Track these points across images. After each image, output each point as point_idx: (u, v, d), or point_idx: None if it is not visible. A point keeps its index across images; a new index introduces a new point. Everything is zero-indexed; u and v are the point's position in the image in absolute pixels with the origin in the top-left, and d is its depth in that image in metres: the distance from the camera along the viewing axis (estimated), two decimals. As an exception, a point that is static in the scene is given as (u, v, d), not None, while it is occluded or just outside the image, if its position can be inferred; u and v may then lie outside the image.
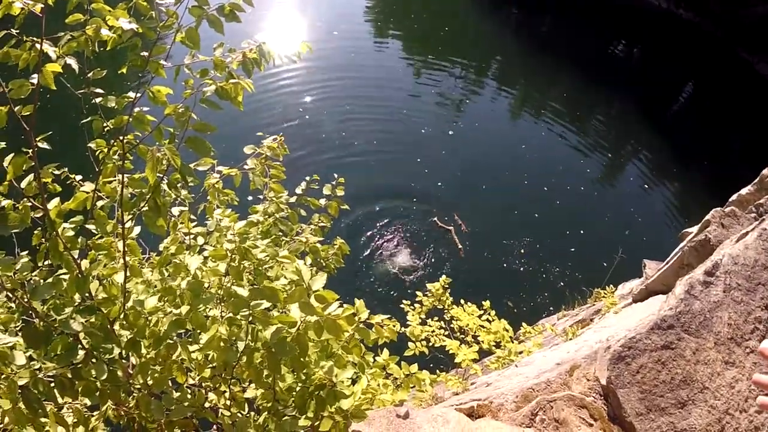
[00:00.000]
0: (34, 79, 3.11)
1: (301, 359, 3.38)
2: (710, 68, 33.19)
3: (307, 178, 5.81)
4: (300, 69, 24.66)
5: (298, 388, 3.71)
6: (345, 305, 3.36)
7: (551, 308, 15.21)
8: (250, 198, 5.62)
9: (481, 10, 36.46)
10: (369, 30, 31.27)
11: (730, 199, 7.95)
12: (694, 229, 8.01)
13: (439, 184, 20.05)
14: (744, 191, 7.80)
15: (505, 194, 20.39)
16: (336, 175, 5.91)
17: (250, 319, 3.34)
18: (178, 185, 3.65)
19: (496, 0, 38.04)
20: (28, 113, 3.18)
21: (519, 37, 34.44)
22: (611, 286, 11.60)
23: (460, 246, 17.73)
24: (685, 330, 4.78)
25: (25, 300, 3.30)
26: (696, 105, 30.96)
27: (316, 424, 3.62)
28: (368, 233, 17.76)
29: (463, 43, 31.66)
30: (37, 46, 3.09)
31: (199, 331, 3.60)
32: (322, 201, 5.86)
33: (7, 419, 3.23)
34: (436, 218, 18.57)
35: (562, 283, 16.94)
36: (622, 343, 4.82)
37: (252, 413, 4.18)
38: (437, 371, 7.37)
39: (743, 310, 4.93)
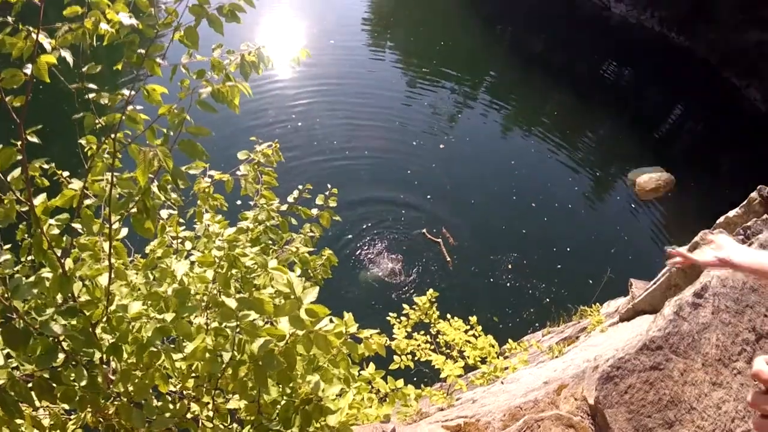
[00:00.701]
0: (28, 69, 3.03)
1: (288, 373, 3.30)
2: (699, 91, 33.39)
3: (300, 187, 5.75)
4: (294, 75, 24.73)
5: (283, 402, 3.63)
6: (335, 319, 3.29)
7: (537, 324, 15.18)
8: (239, 203, 5.56)
9: (477, 25, 36.62)
10: (365, 40, 31.32)
11: (718, 221, 7.99)
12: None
13: (429, 196, 20.04)
14: (732, 213, 7.84)
15: (493, 209, 20.40)
16: (330, 185, 5.86)
17: (237, 330, 3.26)
18: (168, 187, 3.57)
19: (491, 16, 38.23)
20: (19, 104, 3.10)
21: (513, 54, 34.57)
22: (597, 303, 11.58)
23: (448, 258, 17.68)
24: (673, 351, 4.77)
25: (6, 297, 3.19)
26: (685, 127, 31.21)
27: (301, 439, 3.55)
28: (355, 243, 17.74)
29: (458, 57, 31.74)
30: (33, 35, 3.02)
31: (183, 339, 3.52)
32: (314, 211, 5.80)
33: None
34: (424, 230, 18.55)
35: (548, 300, 16.93)
36: (610, 363, 4.80)
37: (234, 425, 4.10)
38: (422, 385, 7.30)
39: (731, 331, 4.95)
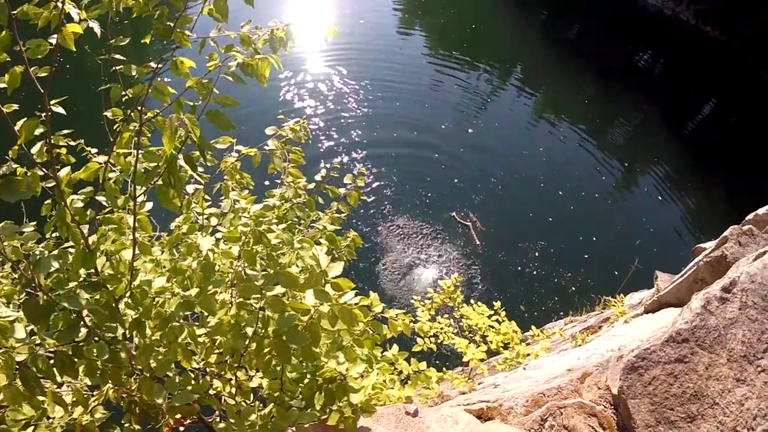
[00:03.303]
0: (53, 39, 3.01)
1: (312, 349, 3.28)
2: (733, 87, 33.07)
3: (328, 166, 5.73)
4: (324, 54, 24.88)
5: (306, 380, 3.62)
6: (361, 296, 3.26)
7: (561, 313, 15.12)
8: (267, 183, 5.56)
9: (509, 10, 36.48)
10: (396, 21, 31.42)
11: (747, 218, 7.93)
12: (709, 244, 7.96)
13: (456, 180, 20.03)
14: (761, 211, 7.80)
15: (521, 196, 20.41)
16: (359, 166, 5.84)
17: (261, 304, 3.23)
18: (196, 163, 3.54)
19: (525, 1, 37.96)
20: (44, 74, 3.08)
21: (545, 40, 34.39)
22: (621, 295, 11.52)
23: (478, 241, 17.71)
24: (699, 344, 4.72)
25: (29, 272, 3.18)
26: (716, 122, 30.85)
27: (323, 417, 3.53)
28: (383, 225, 17.77)
29: (489, 41, 31.65)
30: (59, 5, 2.98)
31: (207, 314, 3.50)
32: (342, 190, 5.77)
33: (2, 396, 3.12)
34: (454, 213, 18.59)
35: (572, 289, 16.88)
36: (635, 354, 4.75)
37: (257, 402, 4.10)
38: (443, 368, 7.31)
39: (757, 328, 4.88)
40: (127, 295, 3.55)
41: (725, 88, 32.94)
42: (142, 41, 3.62)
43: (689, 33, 37.81)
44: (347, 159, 18.41)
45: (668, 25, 38.56)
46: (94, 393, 4.08)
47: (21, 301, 3.84)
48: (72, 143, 3.81)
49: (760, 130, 29.13)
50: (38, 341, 3.18)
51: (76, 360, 3.23)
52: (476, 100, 25.27)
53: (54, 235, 3.74)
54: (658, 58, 35.51)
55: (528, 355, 8.01)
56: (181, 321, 3.56)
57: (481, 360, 7.32)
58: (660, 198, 22.44)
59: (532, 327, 9.78)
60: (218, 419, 4.65)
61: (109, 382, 3.45)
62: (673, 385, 4.55)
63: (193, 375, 3.86)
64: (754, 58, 34.26)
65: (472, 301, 8.87)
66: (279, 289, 3.16)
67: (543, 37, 35.10)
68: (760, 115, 30.72)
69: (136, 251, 3.63)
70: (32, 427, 3.60)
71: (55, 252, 3.29)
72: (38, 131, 3.15)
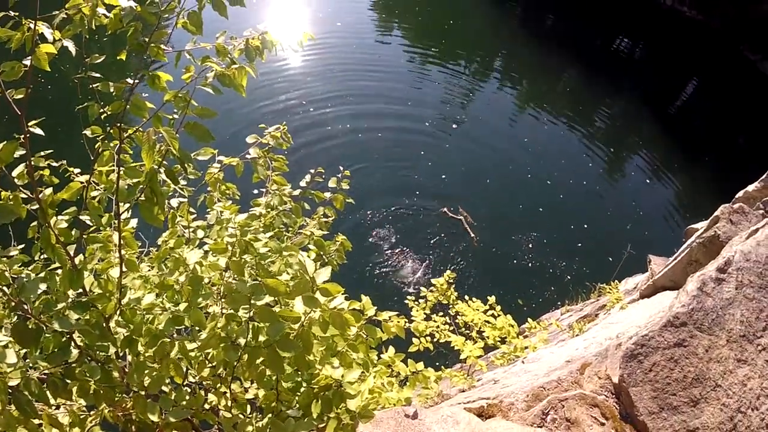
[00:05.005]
0: (27, 60, 2.97)
1: (306, 357, 3.24)
2: (714, 66, 33.31)
3: (312, 171, 5.69)
4: (302, 58, 24.78)
5: (302, 389, 3.58)
6: (350, 300, 3.23)
7: (558, 303, 15.05)
8: (255, 191, 5.52)
9: (486, 3, 36.40)
10: (373, 22, 31.30)
11: (737, 196, 7.90)
12: (700, 224, 7.94)
13: (443, 176, 19.96)
14: (751, 188, 7.75)
15: (509, 188, 20.36)
16: (342, 168, 5.80)
17: (251, 315, 3.19)
18: (179, 177, 3.51)
19: (499, -2, 38.07)
20: (20, 96, 3.04)
21: (523, 32, 34.47)
22: (615, 281, 11.50)
23: (473, 235, 17.61)
24: (697, 327, 4.68)
25: (16, 296, 3.14)
26: (699, 102, 30.97)
27: (321, 426, 3.50)
28: (371, 226, 17.63)
29: (467, 36, 31.63)
30: (32, 26, 2.95)
31: (198, 328, 3.47)
32: (327, 194, 5.73)
33: None
34: (444, 208, 18.48)
35: (567, 278, 16.83)
36: (634, 341, 4.71)
37: (255, 413, 4.06)
38: (442, 367, 7.27)
39: (755, 307, 4.86)
40: (117, 313, 3.51)
41: (706, 68, 33.13)
42: (118, 58, 3.58)
43: (666, 15, 37.99)
44: (331, 161, 18.23)
45: (645, 8, 38.72)
46: (91, 413, 4.04)
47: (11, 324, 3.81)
48: (54, 164, 3.76)
49: (744, 107, 29.31)
50: (30, 364, 3.14)
51: (68, 382, 3.19)
52: (458, 96, 25.23)
53: (42, 256, 3.71)
54: (637, 42, 35.68)
55: (526, 348, 7.97)
56: (174, 335, 3.52)
57: (479, 356, 7.28)
58: (648, 181, 22.48)
59: (529, 320, 9.75)
60: (217, 432, 4.61)
61: (103, 402, 3.41)
62: (674, 370, 4.52)
63: (189, 390, 3.83)
64: (733, 36, 34.41)
65: (467, 296, 8.81)
66: (267, 298, 3.12)
67: (521, 28, 35.22)
68: (743, 92, 30.93)
69: (124, 269, 3.59)
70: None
71: (42, 274, 3.26)
72: (18, 153, 3.11)
